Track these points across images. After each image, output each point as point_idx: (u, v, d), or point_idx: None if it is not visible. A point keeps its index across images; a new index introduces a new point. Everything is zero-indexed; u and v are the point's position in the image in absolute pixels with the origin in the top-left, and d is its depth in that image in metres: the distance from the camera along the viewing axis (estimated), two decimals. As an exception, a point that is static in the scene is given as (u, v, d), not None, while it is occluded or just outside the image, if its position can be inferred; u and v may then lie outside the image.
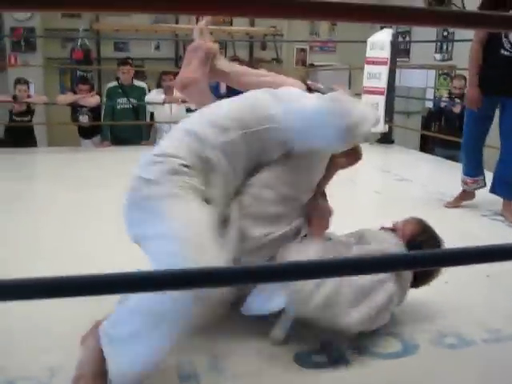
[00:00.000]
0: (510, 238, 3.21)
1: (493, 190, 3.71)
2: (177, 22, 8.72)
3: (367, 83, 6.05)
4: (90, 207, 3.66)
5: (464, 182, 3.84)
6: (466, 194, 3.85)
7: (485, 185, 3.80)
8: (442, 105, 6.36)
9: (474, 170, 3.79)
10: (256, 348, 1.90)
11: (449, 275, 2.43)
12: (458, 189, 3.97)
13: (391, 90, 6.07)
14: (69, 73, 8.02)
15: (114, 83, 6.29)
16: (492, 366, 1.85)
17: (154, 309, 1.50)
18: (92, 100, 6.09)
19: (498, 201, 3.66)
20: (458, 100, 5.92)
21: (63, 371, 1.74)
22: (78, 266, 2.53)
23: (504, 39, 3.39)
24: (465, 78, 5.86)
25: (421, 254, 1.02)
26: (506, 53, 3.41)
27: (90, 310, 2.14)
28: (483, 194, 3.76)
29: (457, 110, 5.83)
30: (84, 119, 6.14)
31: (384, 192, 4.32)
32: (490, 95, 3.50)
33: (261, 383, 1.73)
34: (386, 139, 6.45)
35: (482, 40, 3.47)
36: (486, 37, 3.45)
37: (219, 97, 7.17)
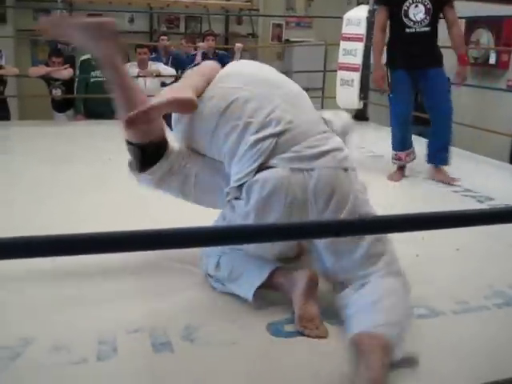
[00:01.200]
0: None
1: (430, 160, 3.95)
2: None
3: (342, 59, 6.03)
4: (62, 181, 3.63)
5: (398, 158, 4.02)
6: (402, 169, 4.06)
7: (415, 156, 4.05)
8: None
9: (405, 144, 3.99)
10: (229, 317, 1.92)
11: (420, 249, 2.49)
12: (425, 163, 4.03)
13: (366, 67, 6.08)
14: (41, 45, 7.87)
15: (87, 56, 6.17)
16: (460, 335, 1.89)
17: None
18: (65, 73, 5.98)
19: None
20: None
21: (37, 341, 1.74)
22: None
23: (405, 19, 3.75)
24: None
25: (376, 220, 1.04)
26: (410, 30, 3.76)
27: (61, 281, 2.15)
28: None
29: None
30: (57, 92, 6.05)
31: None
32: (408, 69, 3.79)
33: (234, 352, 1.75)
34: (360, 116, 6.48)
35: (382, 27, 3.90)
36: (385, 22, 3.87)
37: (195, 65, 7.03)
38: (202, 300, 2.05)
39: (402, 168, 4.04)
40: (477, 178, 3.99)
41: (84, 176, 3.73)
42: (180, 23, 8.89)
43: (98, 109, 6.07)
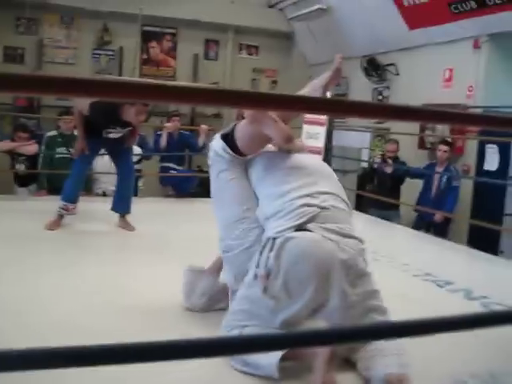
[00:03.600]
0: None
1: (113, 209, 4.65)
2: (120, 75, 8.77)
3: (305, 143, 6.19)
4: (23, 259, 3.55)
5: (66, 209, 4.52)
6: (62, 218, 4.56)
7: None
8: (375, 165, 6.60)
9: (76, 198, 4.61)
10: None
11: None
12: (389, 246, 4.11)
13: (329, 150, 6.25)
14: (6, 119, 7.89)
15: (53, 132, 6.21)
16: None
17: None
18: (30, 148, 5.99)
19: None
20: (390, 161, 6.19)
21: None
22: (11, 322, 2.45)
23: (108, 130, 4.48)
24: (397, 142, 6.21)
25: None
26: (110, 135, 4.51)
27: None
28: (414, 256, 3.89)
29: (388, 170, 6.11)
30: (21, 167, 6.03)
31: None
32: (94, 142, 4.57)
33: None
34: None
35: (81, 111, 4.53)
36: (85, 109, 4.43)
37: (157, 150, 7.13)
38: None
39: (62, 217, 4.52)
40: (437, 261, 4.07)
41: (47, 255, 3.67)
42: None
43: (61, 184, 6.02)
